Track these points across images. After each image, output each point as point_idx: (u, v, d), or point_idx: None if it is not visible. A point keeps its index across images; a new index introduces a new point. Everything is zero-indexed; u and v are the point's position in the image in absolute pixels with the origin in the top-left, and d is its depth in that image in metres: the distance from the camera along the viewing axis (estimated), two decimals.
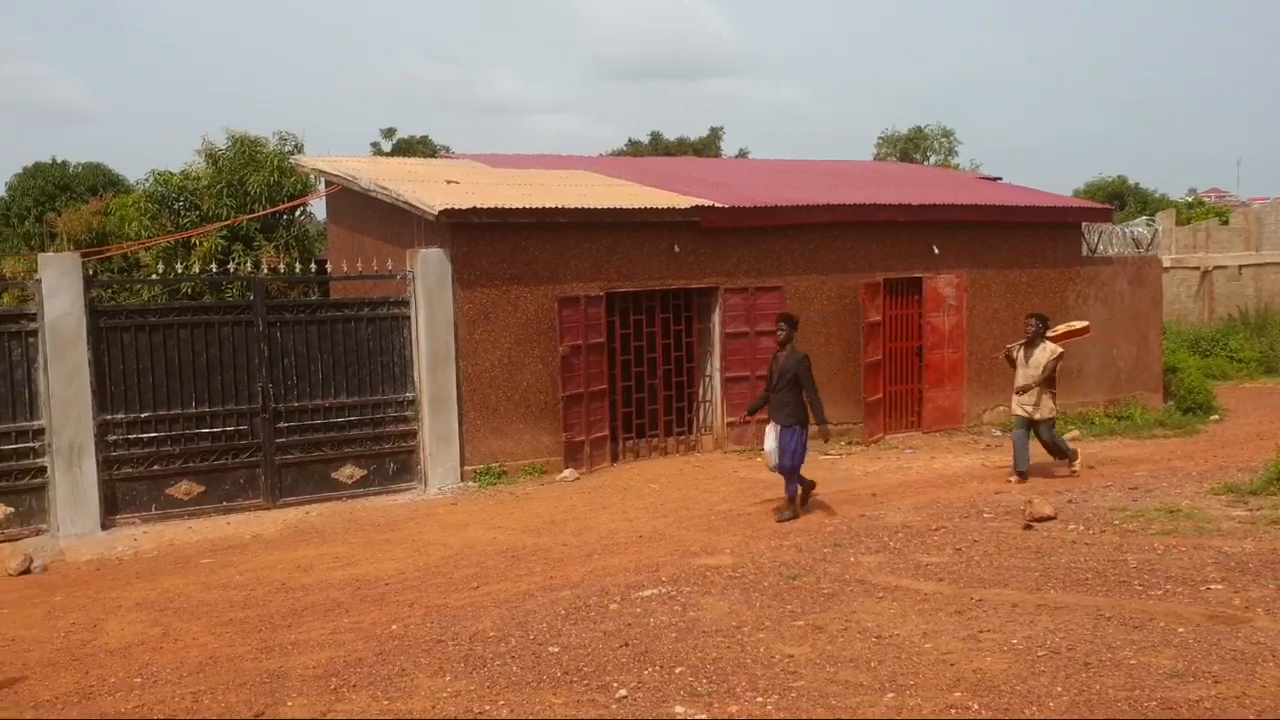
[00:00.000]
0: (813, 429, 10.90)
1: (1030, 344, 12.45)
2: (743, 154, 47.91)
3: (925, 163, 43.99)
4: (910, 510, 10.91)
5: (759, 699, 6.09)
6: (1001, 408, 16.78)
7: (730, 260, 14.80)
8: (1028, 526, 9.77)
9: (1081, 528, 9.64)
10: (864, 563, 8.91)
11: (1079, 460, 12.64)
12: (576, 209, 13.57)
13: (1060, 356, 12.45)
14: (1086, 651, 6.43)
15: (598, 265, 13.85)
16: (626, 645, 7.11)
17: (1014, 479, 12.33)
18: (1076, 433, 15.65)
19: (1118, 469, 12.93)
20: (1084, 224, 18.14)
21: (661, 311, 14.74)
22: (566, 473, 13.19)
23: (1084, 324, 13.80)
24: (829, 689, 6.15)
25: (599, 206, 13.82)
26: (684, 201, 14.64)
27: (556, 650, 7.09)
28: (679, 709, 6.02)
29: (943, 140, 46.80)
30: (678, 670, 6.62)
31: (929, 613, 7.44)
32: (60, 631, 8.01)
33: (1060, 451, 12.63)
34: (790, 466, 10.68)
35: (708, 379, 15.12)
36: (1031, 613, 7.27)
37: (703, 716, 5.90)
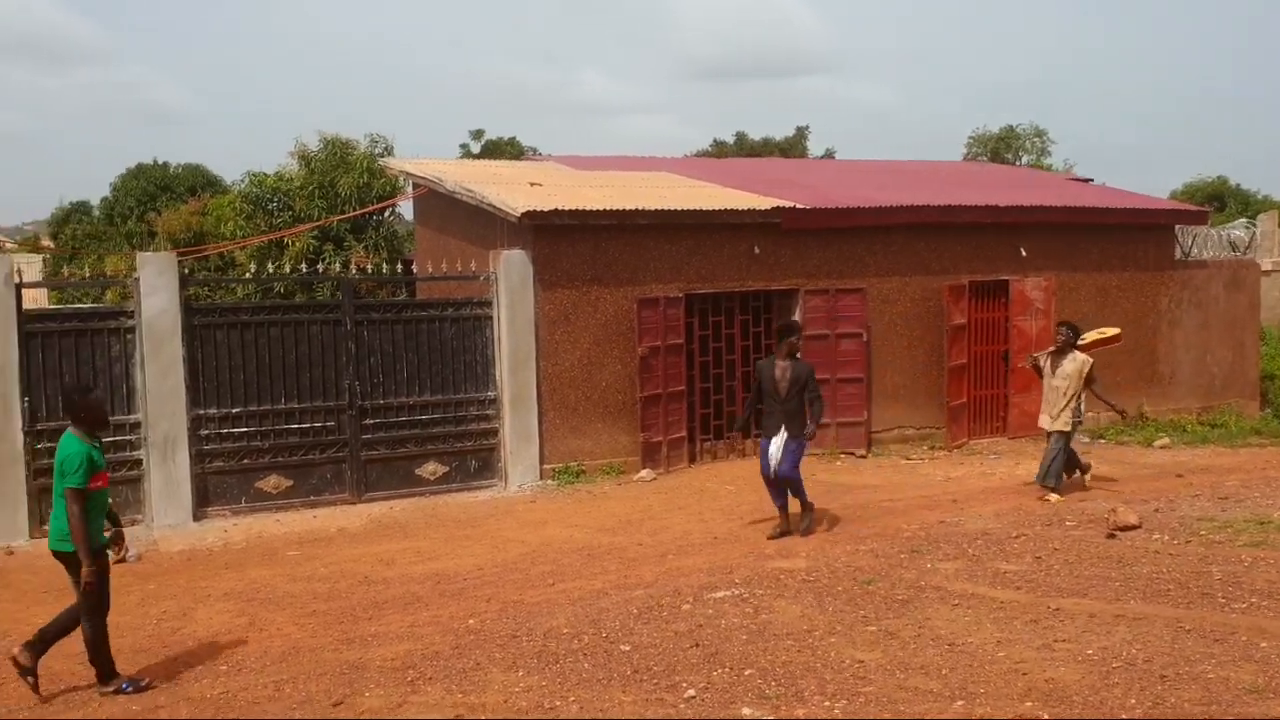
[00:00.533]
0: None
1: (1059, 353, 11.73)
2: (829, 154, 47.50)
3: (1017, 163, 43.15)
4: (991, 517, 10.75)
5: (826, 703, 6.08)
6: (1090, 414, 16.44)
7: (811, 262, 14.75)
8: (1111, 535, 9.57)
9: (1166, 537, 9.41)
10: (941, 569, 8.82)
11: (1057, 496, 11.53)
12: (656, 210, 13.66)
13: (1091, 368, 11.69)
14: (1163, 664, 6.29)
15: (677, 266, 13.91)
16: (697, 646, 7.15)
17: (1088, 481, 12.09)
18: (1167, 440, 15.28)
19: (1208, 478, 12.58)
20: (1178, 227, 17.68)
21: (741, 313, 14.74)
22: (643, 473, 13.28)
23: (1115, 331, 13.17)
24: (897, 695, 6.12)
25: (679, 208, 13.89)
26: (764, 203, 14.63)
27: (628, 649, 7.15)
28: (746, 711, 6.04)
29: (1035, 140, 45.78)
30: (747, 672, 6.63)
31: (1004, 621, 7.35)
32: (152, 619, 8.33)
33: (1052, 472, 11.67)
34: (797, 476, 10.32)
35: None
36: (1109, 623, 7.13)
37: (770, 719, 5.92)
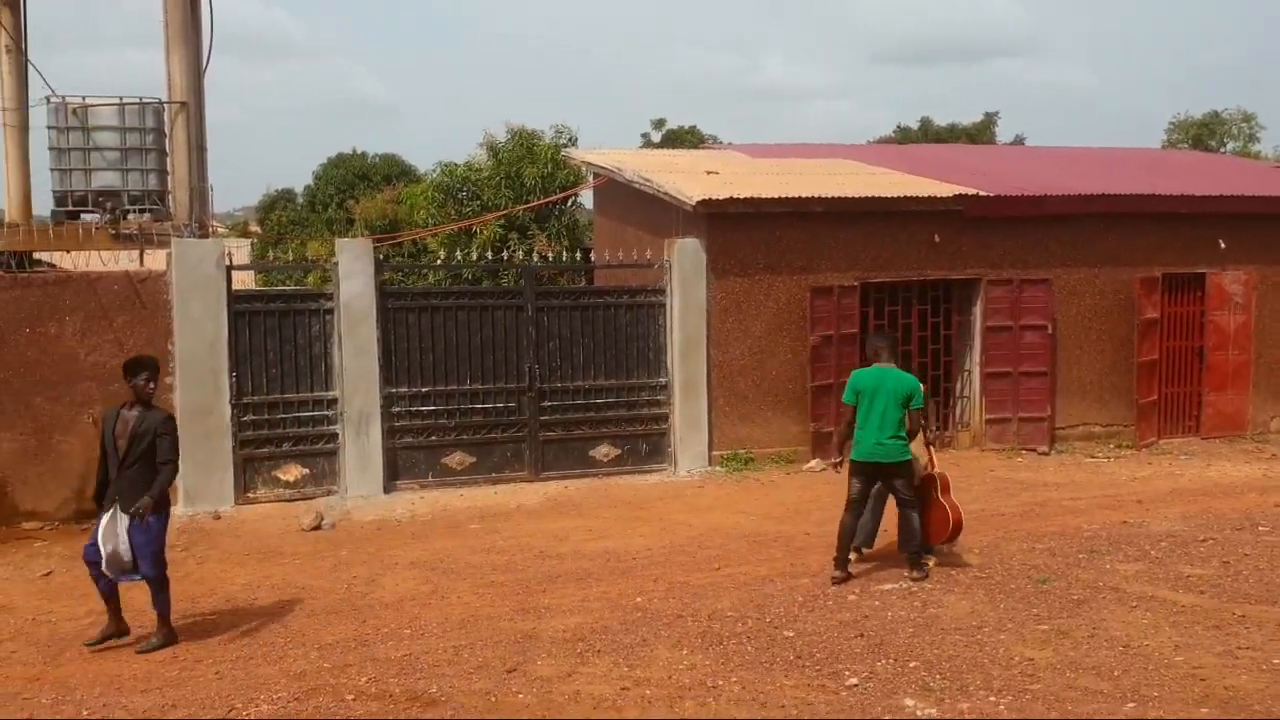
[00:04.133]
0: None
1: None
2: (1019, 140, 45.79)
3: (1221, 150, 40.70)
4: (1178, 519, 10.33)
5: (992, 698, 6.04)
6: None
7: (994, 251, 14.39)
8: None
9: None
10: (1120, 571, 8.56)
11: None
12: (832, 198, 13.58)
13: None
14: None
15: (853, 255, 13.81)
16: (862, 636, 7.18)
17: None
18: None
19: None
20: None
21: (919, 303, 14.51)
22: (813, 463, 13.25)
23: None
24: (1066, 694, 6.02)
25: (855, 195, 13.77)
26: (945, 190, 14.35)
27: (791, 635, 7.25)
28: (908, 702, 6.06)
29: (1242, 126, 42.98)
30: (911, 664, 6.64)
31: (1184, 625, 7.10)
32: (343, 583, 8.88)
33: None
34: (156, 573, 7.44)
35: (966, 374, 14.76)
36: None
37: (932, 711, 5.92)
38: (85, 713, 6.23)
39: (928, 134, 47.37)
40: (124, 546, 7.32)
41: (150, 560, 7.37)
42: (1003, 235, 14.39)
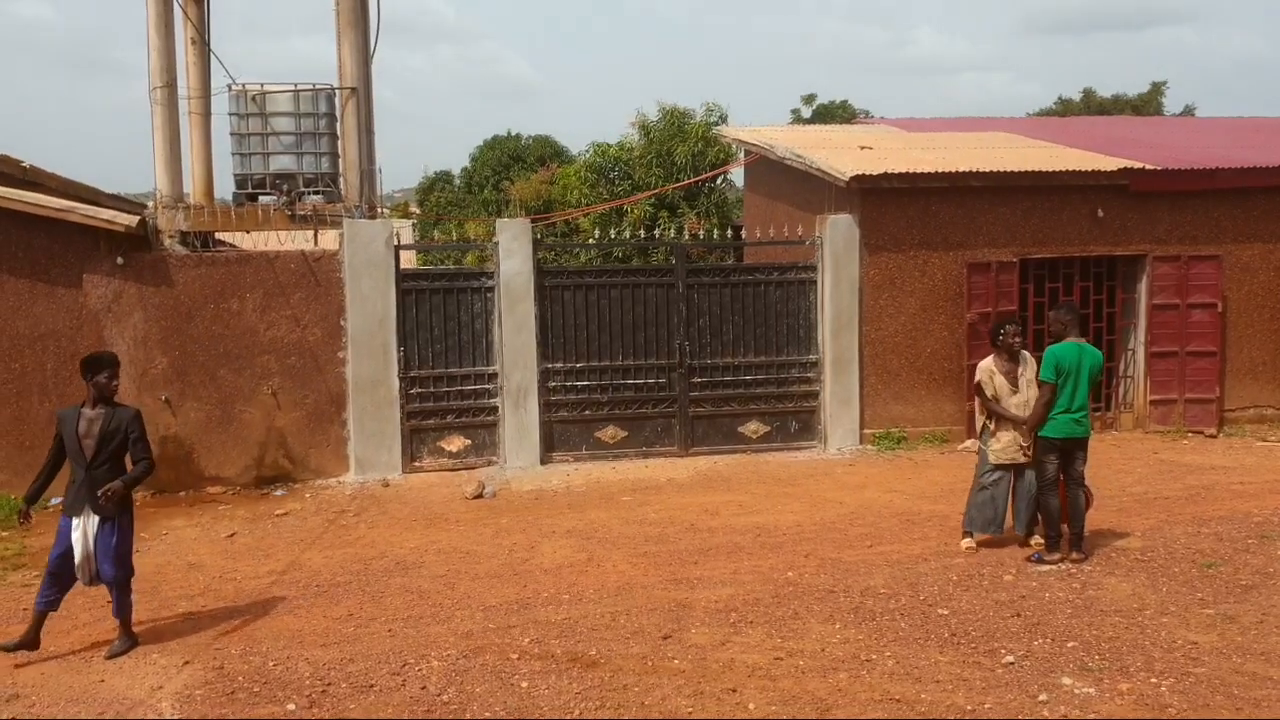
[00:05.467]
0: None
1: (1014, 359, 8.87)
2: (1188, 111, 43.59)
3: None
4: None
5: (1153, 680, 5.94)
6: None
7: (1161, 226, 13.87)
8: None
9: None
10: None
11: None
12: (990, 172, 13.31)
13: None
14: None
15: (1011, 230, 13.51)
16: (1018, 616, 7.13)
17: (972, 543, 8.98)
18: None
19: None
20: None
21: (1081, 279, 14.10)
22: (969, 442, 13.04)
23: None
24: (1232, 679, 5.87)
25: (1014, 169, 13.45)
26: (1109, 163, 13.89)
27: (946, 613, 7.24)
28: (1066, 680, 6.01)
29: None
30: (1069, 644, 6.57)
31: None
32: (504, 549, 9.24)
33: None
34: (124, 576, 7.11)
35: (1129, 353, 14.29)
36: None
37: (1091, 690, 5.86)
38: (271, 664, 6.68)
39: (1090, 106, 45.53)
40: (91, 549, 6.97)
41: (113, 561, 6.99)
42: (1170, 210, 13.87)
